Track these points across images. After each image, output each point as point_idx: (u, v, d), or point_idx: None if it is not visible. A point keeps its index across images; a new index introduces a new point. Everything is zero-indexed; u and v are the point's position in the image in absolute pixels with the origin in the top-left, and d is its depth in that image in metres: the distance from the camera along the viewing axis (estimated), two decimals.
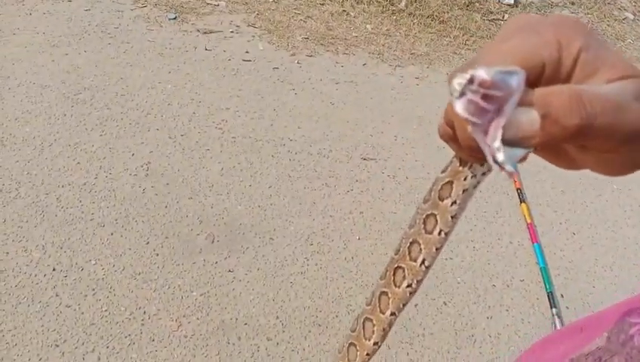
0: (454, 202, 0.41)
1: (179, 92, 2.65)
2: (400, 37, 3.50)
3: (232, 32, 3.15)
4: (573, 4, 4.45)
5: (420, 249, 0.45)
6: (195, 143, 2.38)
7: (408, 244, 0.46)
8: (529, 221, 2.35)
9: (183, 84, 2.70)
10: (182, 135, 2.41)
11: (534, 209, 2.41)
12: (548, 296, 2.04)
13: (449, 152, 0.37)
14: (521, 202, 2.44)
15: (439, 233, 0.43)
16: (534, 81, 0.31)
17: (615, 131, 0.31)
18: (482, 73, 0.29)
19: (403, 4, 3.72)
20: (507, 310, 1.99)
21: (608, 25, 4.34)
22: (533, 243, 2.25)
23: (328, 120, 2.70)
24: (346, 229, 2.17)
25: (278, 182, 2.30)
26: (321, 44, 3.24)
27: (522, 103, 0.30)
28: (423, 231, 0.44)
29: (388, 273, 0.49)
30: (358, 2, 3.69)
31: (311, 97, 2.82)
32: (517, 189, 2.49)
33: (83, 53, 2.77)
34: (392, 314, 0.49)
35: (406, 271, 0.47)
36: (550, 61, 0.31)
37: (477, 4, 4.02)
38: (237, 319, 1.78)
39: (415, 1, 3.77)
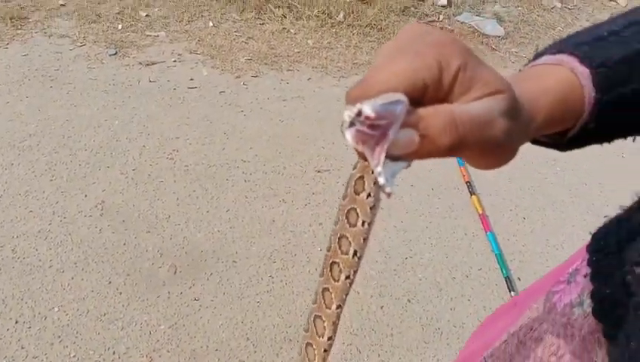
0: (369, 194, 0.46)
1: (126, 127, 2.65)
2: (341, 48, 3.58)
3: (174, 61, 3.17)
4: None
5: (349, 242, 0.49)
6: (147, 176, 2.39)
7: (337, 240, 0.50)
8: (480, 212, 2.44)
9: (130, 119, 2.70)
10: (133, 170, 2.41)
11: (484, 199, 2.51)
12: (505, 280, 2.13)
13: None
14: (471, 195, 2.54)
15: (362, 224, 0.47)
16: (418, 98, 0.37)
17: (482, 145, 0.38)
18: (368, 109, 0.34)
19: (341, 16, 3.82)
20: (469, 299, 2.07)
21: (538, 15, 4.54)
22: (486, 232, 2.34)
23: (279, 137, 2.75)
24: (307, 242, 2.21)
25: (236, 205, 2.33)
26: (265, 64, 3.29)
27: (405, 124, 0.35)
28: (348, 226, 0.48)
29: (325, 270, 0.53)
30: (297, 19, 3.76)
31: (260, 117, 2.86)
32: (466, 182, 2.59)
33: (25, 99, 2.74)
34: (338, 306, 0.53)
35: (341, 264, 0.51)
36: (432, 82, 0.37)
37: (412, 9, 4.16)
38: (207, 346, 1.79)
39: (352, 13, 3.86)
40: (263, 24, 3.67)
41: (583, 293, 0.66)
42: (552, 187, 2.69)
